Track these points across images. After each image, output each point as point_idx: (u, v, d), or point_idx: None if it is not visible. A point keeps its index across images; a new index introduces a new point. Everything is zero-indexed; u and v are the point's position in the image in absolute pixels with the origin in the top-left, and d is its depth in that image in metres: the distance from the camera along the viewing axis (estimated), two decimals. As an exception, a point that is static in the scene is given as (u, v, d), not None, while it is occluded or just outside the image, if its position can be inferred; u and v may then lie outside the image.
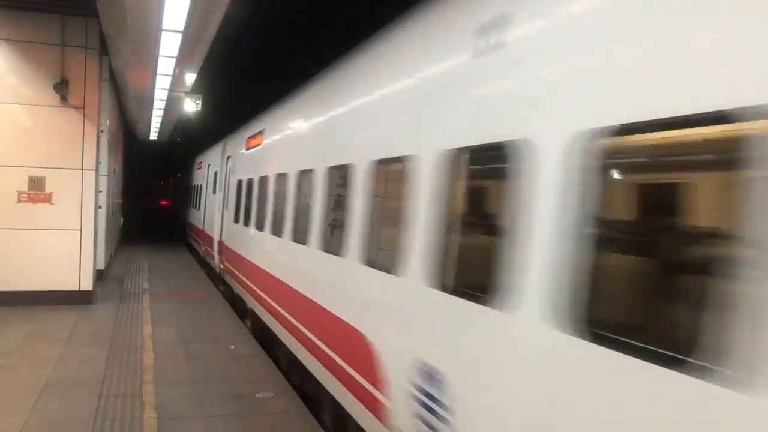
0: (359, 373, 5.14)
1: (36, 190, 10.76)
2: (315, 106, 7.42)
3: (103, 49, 11.34)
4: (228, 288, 12.76)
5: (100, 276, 12.90)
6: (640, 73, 2.52)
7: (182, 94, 15.63)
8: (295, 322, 7.19)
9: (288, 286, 7.57)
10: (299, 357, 7.03)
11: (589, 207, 2.72)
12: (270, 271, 8.71)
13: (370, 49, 5.95)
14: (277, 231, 8.29)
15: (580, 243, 2.75)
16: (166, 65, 11.42)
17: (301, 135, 8.02)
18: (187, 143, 29.24)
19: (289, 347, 7.53)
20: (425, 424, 3.95)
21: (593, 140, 2.69)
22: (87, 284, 11.17)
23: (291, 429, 5.97)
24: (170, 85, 13.81)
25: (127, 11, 8.12)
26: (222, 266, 13.46)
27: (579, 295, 2.73)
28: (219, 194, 14.55)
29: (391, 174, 4.96)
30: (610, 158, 2.71)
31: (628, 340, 2.47)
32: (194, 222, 20.62)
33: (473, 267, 3.78)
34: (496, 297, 3.29)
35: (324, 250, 6.21)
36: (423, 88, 4.48)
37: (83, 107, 10.96)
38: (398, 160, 4.58)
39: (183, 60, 11.12)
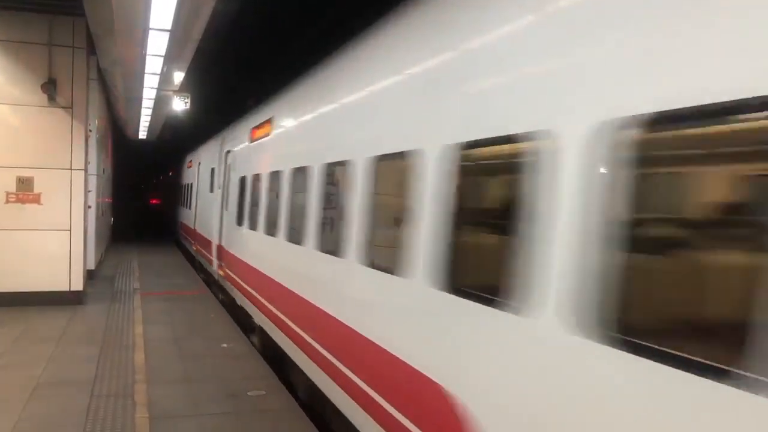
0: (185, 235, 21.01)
1: (24, 190, 10.71)
2: (190, 166, 20.59)
3: (91, 49, 11.28)
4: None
5: (90, 276, 12.87)
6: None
7: (171, 92, 15.57)
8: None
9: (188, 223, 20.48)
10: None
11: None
12: (186, 221, 21.23)
13: (200, 148, 18.90)
14: (187, 205, 20.86)
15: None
16: (154, 64, 11.37)
17: (186, 175, 22.15)
18: (177, 141, 29.11)
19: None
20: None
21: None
22: (77, 284, 11.15)
23: (283, 427, 6.01)
24: (158, 84, 13.76)
25: (114, 10, 8.10)
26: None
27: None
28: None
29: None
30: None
31: None
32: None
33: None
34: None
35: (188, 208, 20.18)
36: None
37: (71, 107, 10.91)
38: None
39: (171, 59, 11.09)
